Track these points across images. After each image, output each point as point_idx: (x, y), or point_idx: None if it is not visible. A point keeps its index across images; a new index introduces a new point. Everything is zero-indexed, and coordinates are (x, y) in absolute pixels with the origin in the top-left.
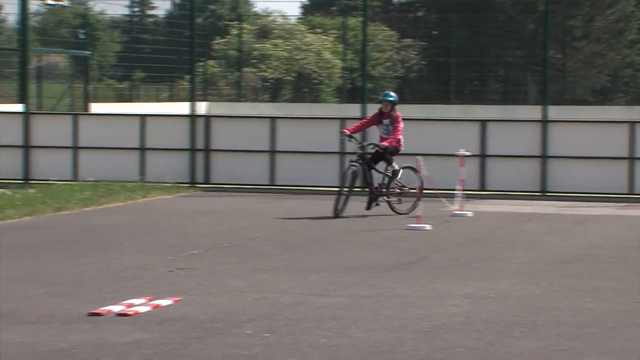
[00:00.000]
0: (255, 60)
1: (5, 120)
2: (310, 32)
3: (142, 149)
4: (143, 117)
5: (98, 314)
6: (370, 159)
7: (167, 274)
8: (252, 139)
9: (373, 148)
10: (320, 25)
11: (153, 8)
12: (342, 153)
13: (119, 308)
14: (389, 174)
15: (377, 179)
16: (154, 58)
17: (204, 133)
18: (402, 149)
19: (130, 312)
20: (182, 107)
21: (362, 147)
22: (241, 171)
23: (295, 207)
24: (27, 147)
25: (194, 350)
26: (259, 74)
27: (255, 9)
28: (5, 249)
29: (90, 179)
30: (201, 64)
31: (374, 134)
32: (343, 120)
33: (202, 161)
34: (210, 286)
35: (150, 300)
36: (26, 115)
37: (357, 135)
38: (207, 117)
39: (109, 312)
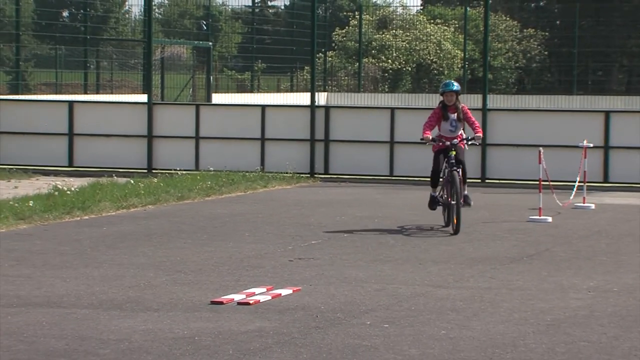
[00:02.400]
0: (374, 51)
1: (130, 110)
2: (431, 23)
3: (263, 140)
4: (263, 107)
5: (220, 303)
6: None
7: (287, 264)
8: (371, 129)
9: (467, 142)
10: (440, 15)
11: None
12: None
13: (240, 297)
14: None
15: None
16: (275, 49)
17: (324, 124)
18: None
19: (251, 301)
20: (302, 98)
21: (452, 145)
22: (360, 162)
23: (414, 198)
24: (150, 137)
25: (314, 339)
26: (379, 64)
27: (375, 0)
28: (129, 237)
29: (211, 168)
30: (321, 54)
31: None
32: None
33: (321, 152)
34: (330, 276)
35: (270, 289)
36: (150, 105)
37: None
38: (327, 108)
39: (231, 300)
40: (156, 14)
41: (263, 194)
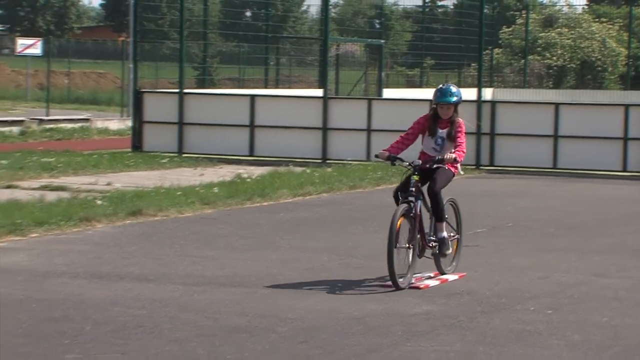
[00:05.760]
0: (540, 49)
1: (307, 104)
2: (595, 21)
3: None
4: (432, 102)
5: (390, 286)
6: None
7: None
8: (535, 123)
9: (433, 165)
10: (605, 14)
11: None
12: (626, 139)
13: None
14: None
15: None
16: (443, 46)
17: (490, 118)
18: (459, 174)
19: (421, 285)
20: (469, 93)
21: (415, 169)
22: (524, 154)
23: (578, 190)
24: (325, 129)
25: (479, 323)
26: (544, 61)
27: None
28: (304, 223)
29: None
30: (488, 52)
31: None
32: (626, 107)
33: (487, 144)
34: (494, 263)
35: (437, 274)
36: (325, 99)
37: (403, 155)
38: (493, 103)
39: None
40: (332, 14)
41: None
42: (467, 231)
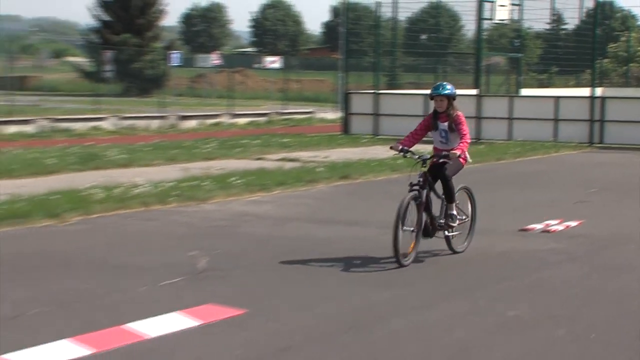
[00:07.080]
0: (638, 58)
1: (465, 100)
2: None
3: (555, 120)
4: (557, 98)
5: (526, 230)
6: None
7: (573, 205)
8: (635, 113)
9: (439, 159)
10: None
11: (565, 23)
12: None
13: (540, 226)
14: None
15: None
16: (565, 58)
17: (600, 109)
18: (468, 162)
19: (551, 230)
20: (585, 92)
21: (424, 162)
22: (627, 135)
23: None
24: (478, 118)
25: (592, 258)
26: None
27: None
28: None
29: (519, 139)
30: (599, 61)
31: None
32: None
33: (598, 128)
34: (604, 214)
35: (561, 221)
36: (479, 97)
37: (413, 148)
38: (603, 98)
39: (533, 229)
40: (483, 35)
41: (555, 157)
42: (583, 191)
